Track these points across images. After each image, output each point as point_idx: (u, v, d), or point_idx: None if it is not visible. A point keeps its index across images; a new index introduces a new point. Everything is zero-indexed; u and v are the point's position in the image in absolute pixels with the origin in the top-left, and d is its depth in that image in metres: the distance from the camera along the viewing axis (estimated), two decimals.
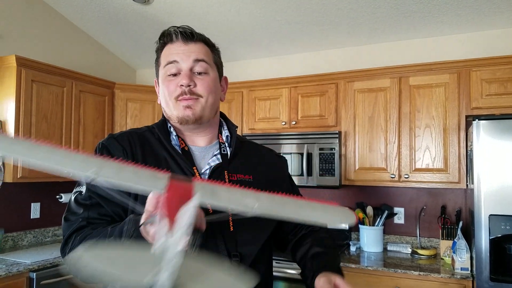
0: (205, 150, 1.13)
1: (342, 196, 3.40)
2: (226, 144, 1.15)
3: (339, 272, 1.06)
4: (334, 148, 3.05)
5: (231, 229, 1.02)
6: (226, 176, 1.07)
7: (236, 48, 3.64)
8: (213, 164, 1.09)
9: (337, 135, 3.06)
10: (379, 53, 3.36)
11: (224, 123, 1.20)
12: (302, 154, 3.12)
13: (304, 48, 3.57)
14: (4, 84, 2.82)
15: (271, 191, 1.13)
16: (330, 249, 1.17)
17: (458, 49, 3.10)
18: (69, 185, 3.19)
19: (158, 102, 1.15)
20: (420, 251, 2.92)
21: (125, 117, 3.59)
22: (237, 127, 1.21)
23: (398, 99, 2.97)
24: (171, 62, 1.06)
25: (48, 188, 3.26)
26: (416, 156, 2.90)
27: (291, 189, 1.25)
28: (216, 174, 1.07)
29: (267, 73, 3.64)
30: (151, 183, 0.64)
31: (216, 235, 1.00)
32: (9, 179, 2.78)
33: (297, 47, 3.56)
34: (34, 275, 2.50)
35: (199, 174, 1.05)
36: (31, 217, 3.19)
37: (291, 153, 3.15)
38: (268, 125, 3.35)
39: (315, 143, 3.10)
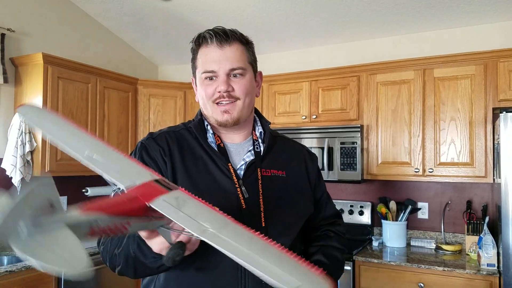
0: (240, 146, 1.16)
1: (364, 191, 3.36)
2: (260, 140, 1.17)
3: None
4: (356, 142, 3.01)
5: (263, 224, 1.04)
6: (259, 173, 1.10)
7: (256, 43, 3.59)
8: (248, 159, 1.12)
9: (359, 129, 3.02)
10: (402, 45, 3.29)
11: (258, 119, 1.22)
12: (322, 149, 3.09)
13: (325, 41, 3.54)
14: (32, 81, 2.91)
15: (301, 186, 1.14)
16: (334, 262, 1.18)
17: (484, 40, 3.01)
18: (95, 179, 3.27)
19: (196, 100, 1.18)
20: (444, 247, 2.86)
21: (148, 112, 3.65)
22: (270, 123, 1.23)
23: (422, 91, 2.91)
24: (208, 72, 1.08)
25: (74, 182, 3.35)
26: (441, 150, 2.84)
27: (318, 185, 1.26)
28: (250, 170, 1.10)
29: (287, 67, 3.61)
30: (127, 177, 0.68)
31: None
32: (37, 173, 2.88)
33: (317, 40, 3.53)
34: None
35: (234, 171, 1.08)
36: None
37: (312, 147, 3.14)
38: (288, 120, 3.34)
39: (336, 137, 3.07)
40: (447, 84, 2.83)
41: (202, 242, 0.95)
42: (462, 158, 2.77)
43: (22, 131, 2.81)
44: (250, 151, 1.14)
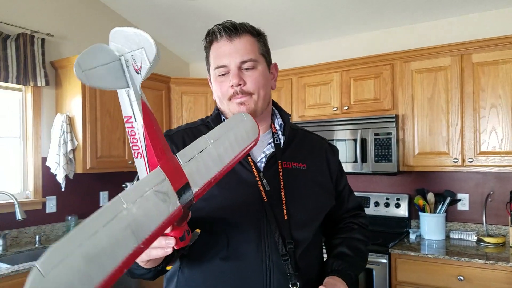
0: (259, 140, 1.15)
1: (400, 183, 3.27)
2: (280, 133, 1.16)
3: (351, 279, 1.09)
4: (391, 133, 2.93)
5: (285, 217, 1.04)
6: (280, 166, 1.10)
7: (283, 35, 3.61)
8: (268, 152, 1.12)
9: (393, 119, 2.94)
10: (437, 30, 3.16)
11: (276, 112, 1.22)
12: (355, 140, 3.04)
13: (355, 30, 3.45)
14: (71, 83, 3.05)
15: (322, 179, 1.15)
16: (357, 254, 1.18)
17: None
18: (133, 174, 3.40)
19: (213, 98, 1.19)
20: (486, 239, 2.74)
21: (180, 109, 3.73)
22: (290, 115, 1.23)
23: (460, 78, 2.78)
24: (220, 67, 1.09)
25: (114, 178, 3.50)
26: (481, 139, 2.71)
27: (340, 178, 1.26)
28: (271, 163, 1.10)
29: (316, 58, 3.55)
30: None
31: (271, 223, 1.02)
32: (79, 170, 3.03)
33: (347, 29, 3.45)
34: None
35: (254, 164, 1.08)
36: (100, 204, 3.46)
37: (343, 140, 3.09)
38: (319, 112, 3.30)
39: (369, 128, 3.00)
40: (487, 70, 2.69)
41: (228, 233, 0.99)
42: (505, 146, 2.64)
43: (64, 131, 2.96)
44: (270, 143, 1.13)
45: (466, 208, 3.02)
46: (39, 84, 2.94)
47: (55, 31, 3.14)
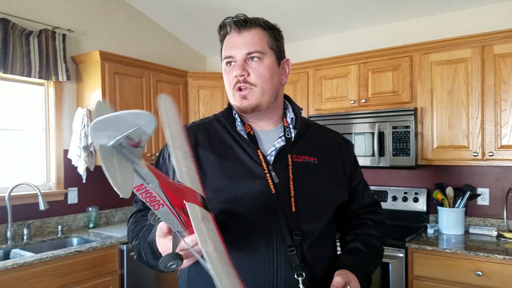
0: (270, 133, 1.17)
1: (418, 177, 3.23)
2: (291, 127, 1.17)
3: (363, 275, 1.09)
4: (409, 126, 2.89)
5: (293, 210, 1.06)
6: (290, 159, 1.11)
7: (300, 28, 3.58)
8: (278, 145, 1.13)
9: (412, 112, 2.89)
10: (457, 21, 3.09)
11: (289, 106, 1.22)
12: (373, 134, 3.01)
13: (373, 21, 3.40)
14: (91, 78, 3.12)
15: (334, 173, 1.16)
16: (371, 250, 1.18)
17: None
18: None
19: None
20: (507, 234, 2.68)
21: (197, 103, 3.77)
22: (301, 109, 1.23)
23: (481, 70, 2.72)
24: (227, 57, 1.11)
25: None
26: (502, 132, 2.65)
27: (355, 173, 1.25)
28: (281, 156, 1.11)
29: (333, 51, 3.53)
30: (187, 176, 0.84)
31: (278, 215, 1.04)
32: (100, 162, 3.10)
33: (365, 20, 3.40)
34: (124, 247, 2.78)
35: (264, 157, 1.10)
36: (120, 197, 3.52)
37: (361, 133, 3.06)
38: (336, 105, 3.27)
39: (387, 121, 2.97)
40: (509, 61, 2.62)
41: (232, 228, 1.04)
42: None
43: (84, 124, 3.03)
44: (281, 137, 1.14)
45: (486, 202, 2.97)
46: (60, 79, 3.02)
47: (76, 27, 3.21)
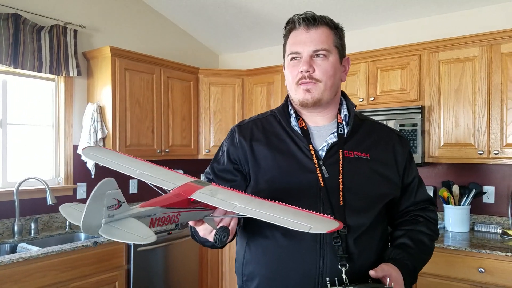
0: (323, 129, 1.20)
1: (425, 175, 3.26)
2: (344, 123, 1.20)
3: (408, 270, 1.10)
4: (417, 124, 2.93)
5: (341, 203, 1.09)
6: (341, 154, 1.14)
7: None
8: (330, 141, 1.16)
9: (419, 110, 2.93)
10: (465, 20, 3.12)
11: (344, 102, 1.25)
12: None
13: (383, 20, 3.44)
14: (102, 73, 3.14)
15: (386, 169, 1.18)
16: (419, 247, 1.18)
17: None
18: (161, 163, 3.49)
19: (285, 84, 1.24)
20: (511, 232, 2.72)
21: (208, 100, 3.80)
22: (355, 106, 1.25)
23: (488, 69, 2.75)
24: (293, 53, 1.15)
25: None
26: (508, 131, 2.68)
27: (409, 170, 1.24)
28: (332, 152, 1.14)
29: None
30: (170, 181, 0.93)
31: (326, 208, 1.08)
32: None
33: (374, 19, 3.44)
34: (131, 242, 2.80)
35: (315, 152, 1.14)
36: (130, 192, 3.56)
37: None
38: None
39: (395, 119, 3.01)
40: None
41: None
42: None
43: (94, 120, 3.06)
44: (333, 133, 1.18)
45: (491, 200, 3.01)
46: (71, 74, 3.04)
47: (87, 23, 3.24)
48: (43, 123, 3.09)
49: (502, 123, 2.70)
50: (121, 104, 3.13)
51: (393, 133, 1.27)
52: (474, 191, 2.90)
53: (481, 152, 2.75)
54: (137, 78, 3.25)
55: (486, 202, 3.03)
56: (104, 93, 3.12)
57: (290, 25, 1.18)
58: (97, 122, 3.07)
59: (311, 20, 1.13)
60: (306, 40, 1.13)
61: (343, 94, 1.26)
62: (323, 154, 1.15)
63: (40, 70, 2.87)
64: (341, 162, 1.12)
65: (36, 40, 2.85)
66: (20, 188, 2.75)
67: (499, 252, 2.39)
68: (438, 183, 3.17)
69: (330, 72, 1.14)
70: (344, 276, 1.03)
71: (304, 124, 1.19)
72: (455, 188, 2.97)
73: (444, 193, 2.97)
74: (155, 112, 3.39)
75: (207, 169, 1.27)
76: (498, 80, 2.71)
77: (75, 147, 3.16)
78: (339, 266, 1.04)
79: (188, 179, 0.92)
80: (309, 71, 1.12)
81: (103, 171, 3.24)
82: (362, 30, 3.58)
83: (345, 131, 1.18)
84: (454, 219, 2.91)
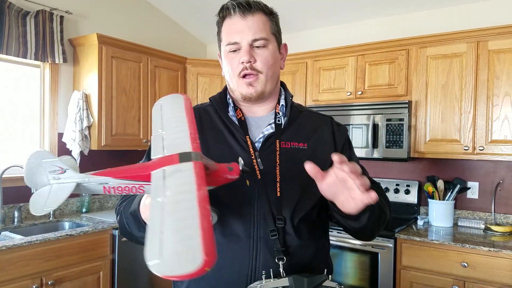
0: (261, 120, 1.17)
1: (410, 170, 3.28)
2: (281, 114, 1.17)
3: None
4: (403, 119, 2.93)
5: (278, 194, 1.07)
6: (278, 145, 1.11)
7: (300, 18, 3.59)
8: (267, 133, 1.13)
9: (406, 105, 2.94)
10: (453, 16, 3.13)
11: (283, 93, 1.22)
12: (367, 126, 3.05)
13: (372, 14, 3.43)
14: (88, 61, 3.10)
15: (325, 157, 1.14)
16: (382, 199, 1.10)
17: None
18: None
19: (222, 75, 1.20)
20: (494, 227, 2.75)
21: (196, 90, 3.77)
22: (292, 96, 1.23)
23: (475, 65, 2.76)
24: (231, 43, 1.10)
25: (128, 156, 3.57)
26: (493, 127, 2.70)
27: (348, 151, 1.22)
28: (269, 143, 1.12)
29: (332, 42, 3.55)
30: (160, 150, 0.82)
31: (262, 199, 1.06)
32: (94, 146, 3.10)
33: (364, 13, 3.43)
34: (116, 232, 2.78)
35: (252, 143, 1.11)
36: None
37: (356, 125, 3.10)
38: (333, 96, 3.30)
39: (382, 114, 3.01)
40: (503, 57, 2.67)
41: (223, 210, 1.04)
42: None
43: (80, 108, 3.02)
44: (271, 124, 1.15)
45: (475, 196, 3.03)
46: (57, 61, 3.00)
47: (74, 9, 3.19)
48: (27, 110, 3.05)
49: (487, 119, 2.72)
50: (108, 92, 3.10)
51: (331, 120, 1.26)
52: (458, 186, 2.92)
53: (467, 148, 2.77)
54: (124, 66, 3.21)
55: (470, 198, 3.05)
56: (90, 81, 3.08)
57: (224, 12, 1.12)
58: (83, 110, 3.04)
59: (246, 7, 1.08)
60: (244, 29, 1.08)
61: (283, 84, 1.24)
62: (259, 145, 1.12)
63: (25, 56, 2.82)
64: (277, 153, 1.10)
65: (21, 25, 2.80)
66: (3, 176, 2.72)
67: (482, 247, 2.42)
68: (423, 178, 3.19)
69: (270, 62, 1.10)
70: (281, 270, 1.00)
71: (241, 115, 1.16)
72: (440, 183, 3.00)
73: (429, 188, 2.99)
74: (142, 101, 3.37)
75: None
76: (485, 77, 2.73)
77: (60, 135, 3.12)
78: (276, 260, 1.01)
79: (189, 146, 0.78)
80: (250, 61, 1.08)
81: (88, 160, 3.22)
82: (351, 24, 3.57)
83: (282, 121, 1.16)
84: (438, 213, 2.93)
